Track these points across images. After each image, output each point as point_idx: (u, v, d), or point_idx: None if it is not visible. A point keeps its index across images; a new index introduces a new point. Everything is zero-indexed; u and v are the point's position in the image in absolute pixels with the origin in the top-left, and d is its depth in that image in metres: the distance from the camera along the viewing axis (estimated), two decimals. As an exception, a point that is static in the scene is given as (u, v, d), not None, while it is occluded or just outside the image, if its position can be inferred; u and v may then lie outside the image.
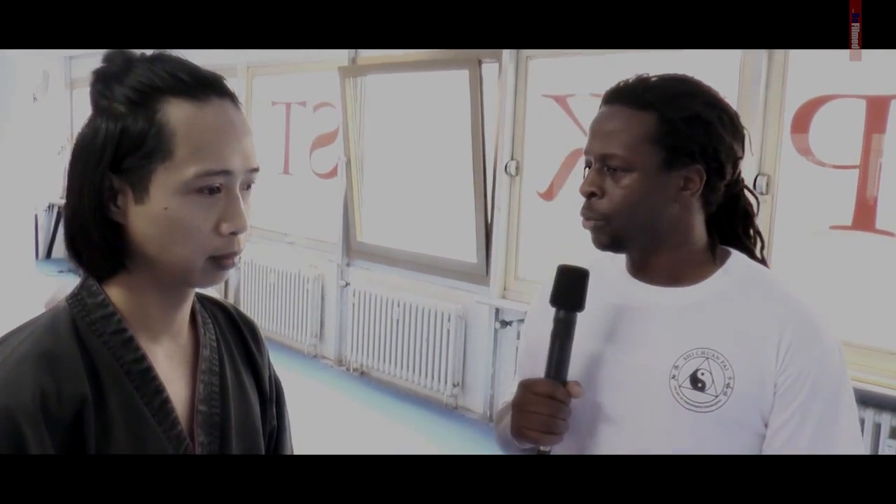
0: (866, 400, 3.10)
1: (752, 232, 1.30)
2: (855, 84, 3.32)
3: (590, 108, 4.24)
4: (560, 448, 1.18)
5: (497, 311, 4.67)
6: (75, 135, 0.96)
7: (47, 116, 8.49)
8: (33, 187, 4.63)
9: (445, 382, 4.92)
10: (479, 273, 4.77)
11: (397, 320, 5.17)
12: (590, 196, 1.20)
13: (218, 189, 0.91)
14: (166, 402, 0.95)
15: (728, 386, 1.14)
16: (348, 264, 5.68)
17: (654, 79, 1.20)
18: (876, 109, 3.27)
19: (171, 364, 0.99)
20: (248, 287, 6.40)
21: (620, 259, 1.28)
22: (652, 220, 1.19)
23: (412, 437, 4.63)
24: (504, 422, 1.33)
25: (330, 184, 5.85)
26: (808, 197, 3.62)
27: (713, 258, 1.24)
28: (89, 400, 0.88)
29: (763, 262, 1.28)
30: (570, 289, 1.17)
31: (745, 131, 1.23)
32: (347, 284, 5.63)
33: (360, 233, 5.61)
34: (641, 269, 1.25)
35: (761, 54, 3.44)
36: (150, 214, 0.91)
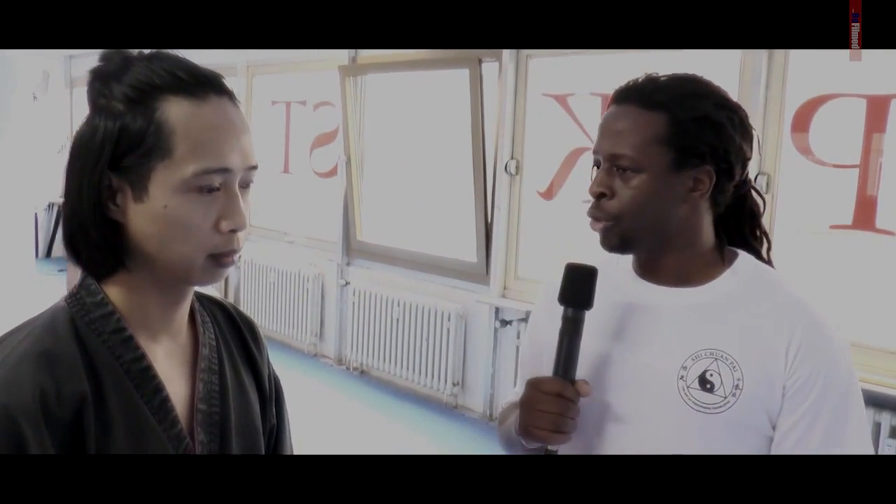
0: (866, 399, 3.08)
1: (758, 233, 1.29)
2: (855, 83, 3.32)
3: (590, 108, 4.28)
4: (567, 447, 1.17)
5: (497, 310, 4.67)
6: (75, 132, 0.96)
7: (47, 115, 8.49)
8: (33, 186, 4.63)
9: (445, 382, 4.92)
10: (479, 272, 4.77)
11: (397, 319, 5.17)
12: (599, 197, 1.19)
13: (217, 187, 0.91)
14: (166, 400, 0.95)
15: (737, 387, 1.14)
16: (348, 263, 5.68)
17: (663, 78, 1.19)
18: (876, 109, 3.27)
19: (170, 363, 0.99)
20: (248, 286, 6.40)
21: (627, 259, 1.27)
22: (661, 220, 1.19)
23: (412, 436, 4.63)
24: (508, 422, 1.33)
25: (330, 183, 5.85)
26: (808, 196, 3.63)
27: (721, 259, 1.23)
28: (89, 399, 0.88)
29: (769, 262, 1.27)
30: (578, 287, 1.17)
31: (754, 132, 1.22)
32: (347, 283, 5.63)
33: (360, 232, 5.61)
34: (649, 270, 1.24)
35: (761, 54, 3.44)
36: (150, 212, 0.91)
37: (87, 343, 0.92)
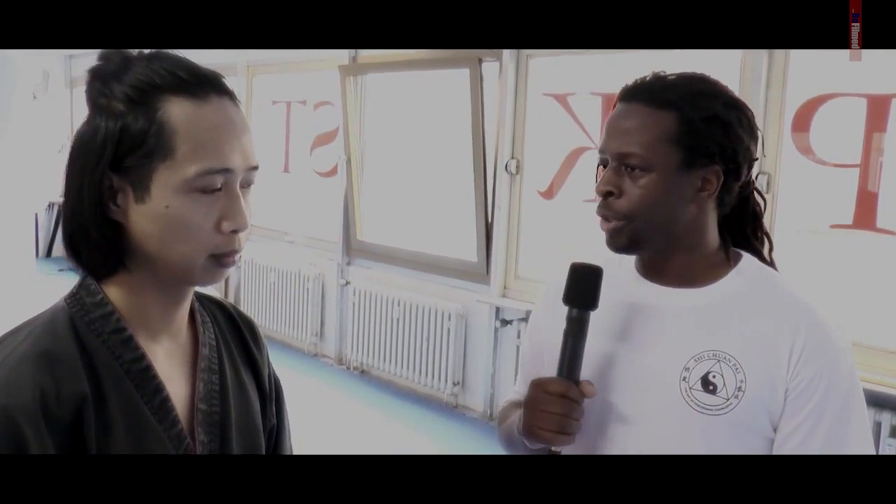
0: (866, 399, 3.09)
1: (759, 233, 1.28)
2: (855, 83, 3.32)
3: (590, 107, 4.28)
4: (569, 447, 1.16)
5: (497, 309, 4.67)
6: (75, 132, 0.96)
7: (47, 115, 8.49)
8: (33, 186, 4.63)
9: (446, 381, 4.92)
10: (480, 272, 4.77)
11: (397, 319, 5.17)
12: (607, 195, 1.18)
13: (219, 187, 0.91)
14: (166, 400, 0.95)
15: (739, 389, 1.13)
16: (348, 263, 5.68)
17: (672, 77, 1.18)
18: (876, 108, 3.27)
19: (170, 363, 0.99)
20: (248, 286, 6.40)
21: (629, 259, 1.26)
22: (669, 220, 1.18)
23: (412, 436, 4.63)
24: (509, 421, 1.32)
25: (330, 182, 5.85)
26: (808, 196, 3.63)
27: (727, 259, 1.22)
28: (89, 399, 0.88)
29: (772, 263, 1.27)
30: (584, 287, 1.16)
31: (759, 132, 1.22)
32: (348, 283, 5.63)
33: (361, 231, 5.61)
34: (653, 270, 1.23)
35: (761, 54, 3.44)
36: (151, 213, 0.91)
37: (86, 343, 0.92)
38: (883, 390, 3.13)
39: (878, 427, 3.17)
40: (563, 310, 1.16)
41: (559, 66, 4.52)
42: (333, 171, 5.79)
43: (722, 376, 1.14)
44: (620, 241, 1.19)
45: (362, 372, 5.53)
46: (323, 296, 5.87)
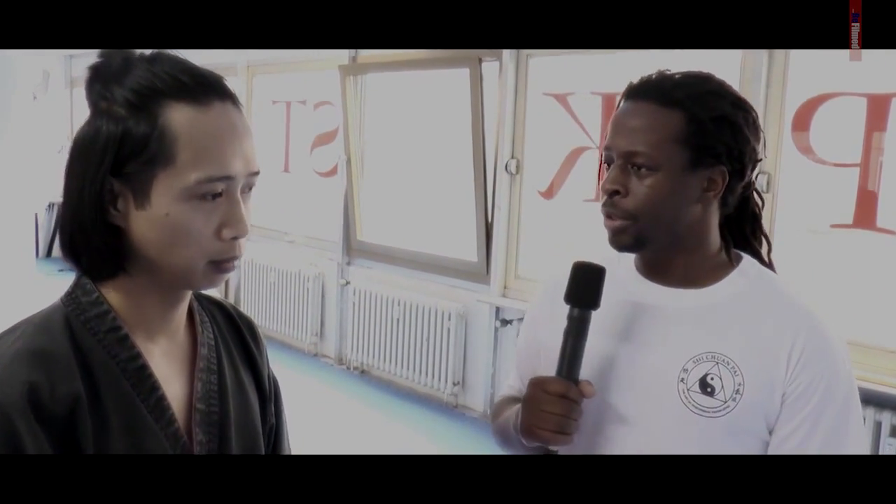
0: (866, 398, 3.09)
1: (758, 234, 1.28)
2: (855, 82, 3.32)
3: (590, 107, 4.28)
4: (567, 447, 1.16)
5: (497, 309, 4.67)
6: (75, 134, 0.95)
7: (47, 115, 8.49)
8: (33, 186, 4.63)
9: (446, 381, 4.92)
10: (480, 272, 4.77)
11: (397, 319, 5.17)
12: (612, 194, 1.17)
13: (220, 194, 0.91)
14: (162, 399, 0.95)
15: (737, 392, 1.13)
16: (348, 263, 5.68)
17: (678, 75, 1.18)
18: (876, 107, 3.27)
19: (168, 362, 0.98)
20: (248, 286, 6.40)
21: (629, 258, 1.26)
22: (674, 220, 1.17)
23: (412, 435, 4.63)
24: (503, 416, 1.32)
25: (330, 182, 5.85)
26: (808, 195, 3.63)
27: (728, 260, 1.22)
28: (83, 398, 0.88)
29: (770, 264, 1.27)
30: (586, 286, 1.15)
31: (762, 132, 1.22)
32: (348, 283, 5.63)
33: (361, 231, 5.61)
34: (654, 270, 1.23)
35: (761, 54, 3.44)
36: (152, 219, 0.90)
37: (81, 342, 0.91)
38: (883, 390, 3.13)
39: (878, 427, 3.16)
40: (563, 308, 1.16)
41: (559, 66, 4.52)
42: (333, 171, 5.79)
43: (720, 378, 1.14)
44: (625, 240, 1.18)
45: (362, 372, 5.53)
46: (323, 296, 5.87)
